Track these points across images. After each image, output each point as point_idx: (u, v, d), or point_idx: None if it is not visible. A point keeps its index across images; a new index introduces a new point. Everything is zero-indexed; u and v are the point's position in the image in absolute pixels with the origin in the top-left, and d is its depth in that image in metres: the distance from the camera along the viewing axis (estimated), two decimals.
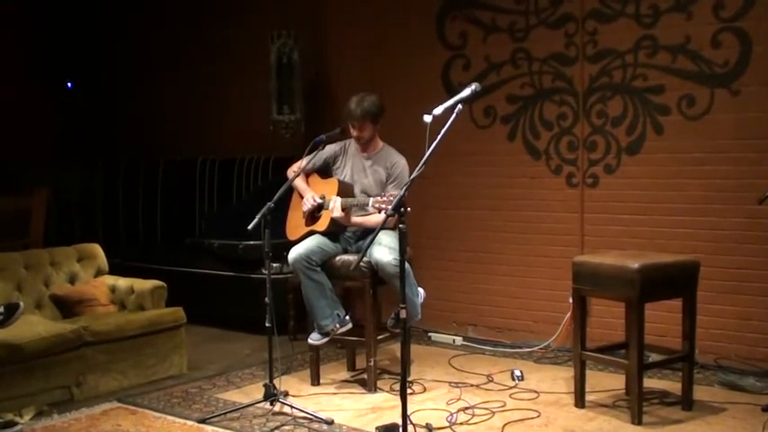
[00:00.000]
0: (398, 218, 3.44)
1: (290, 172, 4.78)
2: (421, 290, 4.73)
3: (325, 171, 4.85)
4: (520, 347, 5.43)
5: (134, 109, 7.98)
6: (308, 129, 6.36)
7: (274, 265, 5.62)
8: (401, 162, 4.68)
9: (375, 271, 4.46)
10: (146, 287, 5.14)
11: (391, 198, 3.79)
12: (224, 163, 7.07)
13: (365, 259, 4.38)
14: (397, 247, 3.89)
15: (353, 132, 4.67)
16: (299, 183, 4.79)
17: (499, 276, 5.67)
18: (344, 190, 4.64)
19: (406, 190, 3.50)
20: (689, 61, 4.84)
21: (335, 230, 4.67)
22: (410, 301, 4.40)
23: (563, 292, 5.08)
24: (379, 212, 4.04)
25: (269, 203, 4.17)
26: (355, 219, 4.63)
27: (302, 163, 4.65)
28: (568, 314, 5.11)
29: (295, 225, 4.81)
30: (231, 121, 7.20)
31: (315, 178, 4.84)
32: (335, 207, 4.51)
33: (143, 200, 7.56)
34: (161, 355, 4.93)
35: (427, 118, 3.59)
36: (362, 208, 4.59)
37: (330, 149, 4.83)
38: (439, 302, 5.80)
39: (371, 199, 4.11)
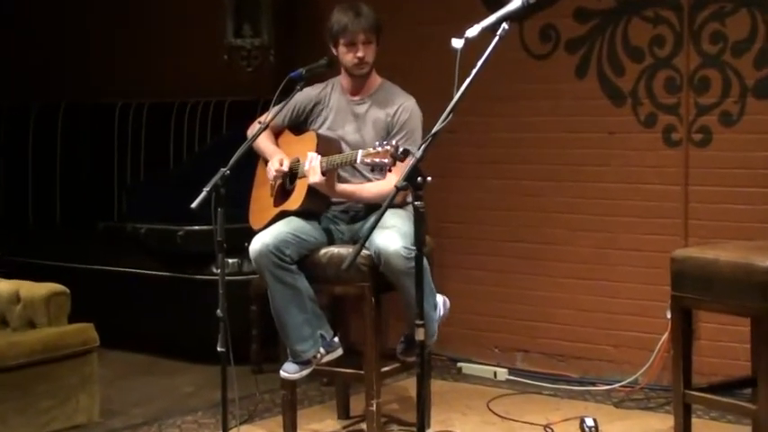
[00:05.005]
0: (413, 192, 3.39)
1: (253, 127, 4.75)
2: (441, 298, 4.71)
3: (301, 125, 4.85)
4: (593, 384, 5.49)
5: (13, 29, 7.95)
6: (280, 59, 6.42)
7: (230, 260, 5.68)
8: (409, 104, 4.67)
9: (378, 270, 4.43)
10: (38, 294, 5.12)
11: (389, 150, 3.75)
12: (156, 109, 7.12)
13: (364, 252, 4.33)
14: (410, 231, 3.92)
15: (355, 55, 4.64)
16: (264, 142, 4.78)
17: (563, 279, 5.70)
18: (326, 147, 4.61)
19: (424, 150, 3.45)
20: None
21: (316, 209, 4.66)
22: (425, 314, 4.36)
23: (658, 302, 5.12)
24: (373, 171, 4.10)
25: (223, 170, 4.15)
26: (343, 187, 4.61)
27: (269, 114, 4.60)
28: (665, 335, 5.15)
29: (261, 207, 4.81)
30: (167, 47, 7.23)
31: (288, 136, 4.85)
32: (312, 168, 4.48)
33: (34, 163, 7.58)
34: (62, 395, 4.93)
35: (457, 43, 3.54)
36: (352, 168, 4.61)
37: (306, 94, 4.78)
38: (473, 318, 5.86)
39: (360, 152, 4.10)
